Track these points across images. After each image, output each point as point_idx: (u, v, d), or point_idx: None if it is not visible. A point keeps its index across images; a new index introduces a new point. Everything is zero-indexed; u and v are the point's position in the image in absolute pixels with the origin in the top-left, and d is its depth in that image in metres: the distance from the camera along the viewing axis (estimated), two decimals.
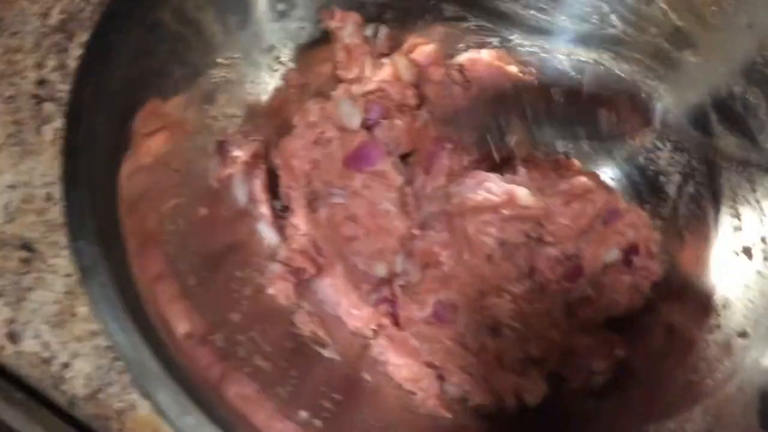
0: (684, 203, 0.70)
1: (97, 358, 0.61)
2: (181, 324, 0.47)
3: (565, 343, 0.61)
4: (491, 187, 0.62)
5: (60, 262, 0.66)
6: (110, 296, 0.43)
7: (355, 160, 0.62)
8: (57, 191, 0.70)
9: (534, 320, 0.60)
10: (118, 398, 0.60)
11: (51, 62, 0.79)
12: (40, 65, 0.79)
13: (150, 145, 0.52)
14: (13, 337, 0.62)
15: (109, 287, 0.44)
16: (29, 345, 0.62)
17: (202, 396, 0.42)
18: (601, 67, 0.75)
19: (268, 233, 0.65)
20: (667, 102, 0.72)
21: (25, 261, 0.66)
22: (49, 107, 0.76)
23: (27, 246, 0.67)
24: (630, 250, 0.67)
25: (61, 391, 0.62)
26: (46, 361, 0.62)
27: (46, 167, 0.71)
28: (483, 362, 0.60)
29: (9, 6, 0.83)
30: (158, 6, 0.55)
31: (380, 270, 0.60)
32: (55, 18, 0.82)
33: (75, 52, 0.79)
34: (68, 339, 0.62)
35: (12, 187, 0.70)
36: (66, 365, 0.61)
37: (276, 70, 0.70)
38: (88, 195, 0.47)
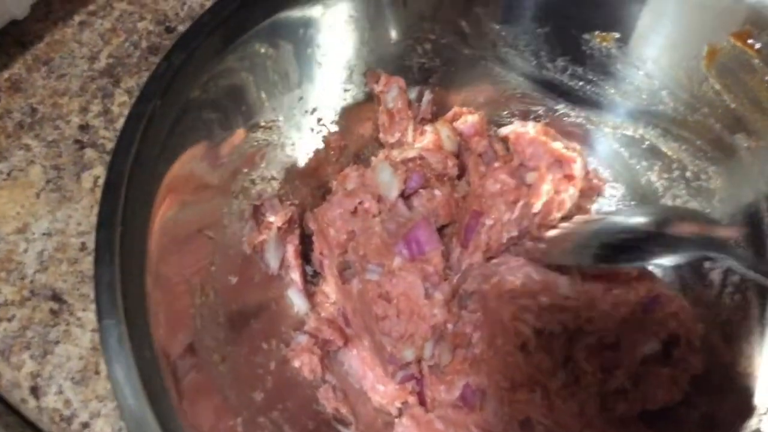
0: (728, 293, 0.67)
1: (117, 419, 0.61)
2: (204, 412, 0.46)
3: None
4: (531, 272, 0.60)
5: (88, 316, 0.65)
6: (132, 382, 0.43)
7: (407, 243, 0.60)
8: (91, 241, 0.70)
9: (567, 418, 0.57)
10: None
11: (95, 107, 0.79)
12: (84, 110, 0.79)
13: (172, 226, 0.51)
14: (35, 391, 0.62)
15: (132, 372, 0.43)
16: (51, 401, 0.62)
17: None
18: (647, 143, 0.73)
19: (297, 300, 0.64)
20: (716, 185, 0.69)
21: (54, 313, 0.66)
22: (90, 153, 0.76)
23: (57, 297, 0.66)
24: (670, 342, 0.64)
25: None
26: (67, 420, 0.61)
27: (82, 215, 0.71)
28: None
29: (59, 47, 0.84)
30: (190, 86, 0.54)
31: (408, 355, 0.58)
32: (102, 62, 0.83)
33: (120, 98, 0.80)
34: (90, 397, 0.62)
35: (47, 234, 0.70)
36: (86, 425, 0.61)
37: (318, 132, 0.69)
38: (118, 271, 0.46)
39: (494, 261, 0.63)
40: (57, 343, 0.64)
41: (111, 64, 0.83)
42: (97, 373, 0.63)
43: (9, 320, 0.65)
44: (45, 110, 0.78)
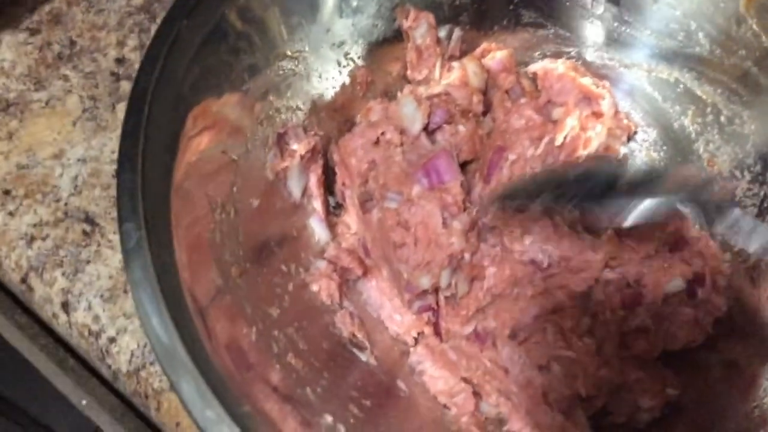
0: None
1: (142, 335, 0.63)
2: (217, 316, 0.47)
3: (615, 379, 0.58)
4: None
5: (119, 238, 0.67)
6: (149, 282, 0.44)
7: (427, 171, 0.60)
8: None
9: (585, 357, 0.57)
10: (158, 377, 0.61)
11: (132, 42, 0.81)
12: (121, 43, 0.81)
13: (197, 145, 0.52)
14: (66, 307, 0.64)
15: (149, 272, 0.44)
16: (81, 316, 0.64)
17: (228, 391, 0.42)
18: (681, 87, 0.72)
19: (319, 229, 0.65)
20: (750, 130, 0.68)
21: (87, 234, 0.68)
22: (125, 85, 0.78)
23: (90, 219, 0.69)
24: (695, 281, 0.63)
25: (106, 364, 0.63)
26: (95, 334, 0.63)
27: (116, 144, 0.73)
28: (527, 396, 0.58)
29: None
30: (217, 10, 0.55)
31: (424, 282, 0.59)
32: None
33: None
34: (118, 314, 0.64)
35: (82, 160, 0.72)
36: (113, 340, 0.63)
37: (345, 67, 0.70)
38: (141, 179, 0.47)
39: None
40: (88, 262, 0.67)
41: (148, 0, 0.84)
42: (125, 291, 0.65)
43: (43, 239, 0.67)
44: (83, 43, 0.80)
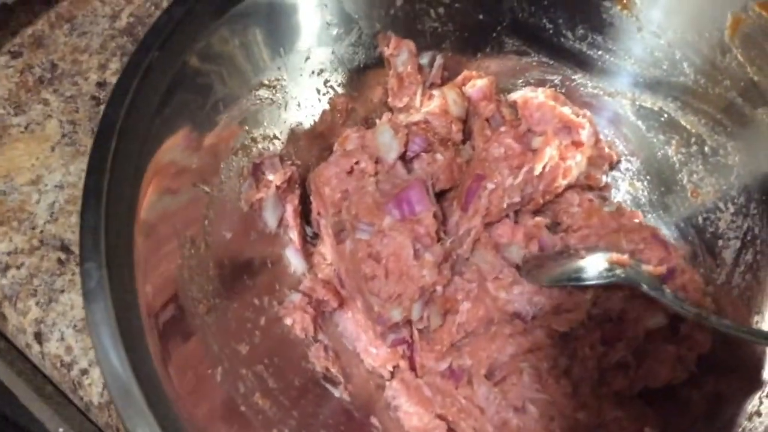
0: (740, 272, 0.64)
1: None
2: (181, 359, 0.46)
3: (592, 421, 0.57)
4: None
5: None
6: (109, 324, 0.43)
7: (398, 203, 0.59)
8: None
9: (561, 399, 0.56)
10: None
11: (114, 65, 0.81)
12: (103, 67, 0.81)
13: (166, 180, 0.51)
14: (39, 337, 0.64)
15: (110, 314, 0.43)
16: (53, 347, 0.63)
17: None
18: (665, 116, 0.71)
19: (294, 260, 0.64)
20: (734, 161, 0.67)
21: (62, 262, 0.67)
22: None
23: (65, 247, 0.68)
24: (678, 316, 0.62)
25: (78, 396, 0.62)
26: (67, 365, 0.63)
27: None
28: None
29: (82, 5, 0.85)
30: (190, 39, 0.54)
31: (395, 315, 0.58)
32: (123, 21, 0.84)
33: None
34: (90, 345, 0.63)
35: (59, 186, 0.71)
36: (85, 372, 0.62)
37: (324, 94, 0.69)
38: (105, 217, 0.47)
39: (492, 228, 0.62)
40: (62, 291, 0.66)
41: (131, 23, 0.84)
42: None
43: (18, 268, 0.67)
44: (65, 66, 0.80)
